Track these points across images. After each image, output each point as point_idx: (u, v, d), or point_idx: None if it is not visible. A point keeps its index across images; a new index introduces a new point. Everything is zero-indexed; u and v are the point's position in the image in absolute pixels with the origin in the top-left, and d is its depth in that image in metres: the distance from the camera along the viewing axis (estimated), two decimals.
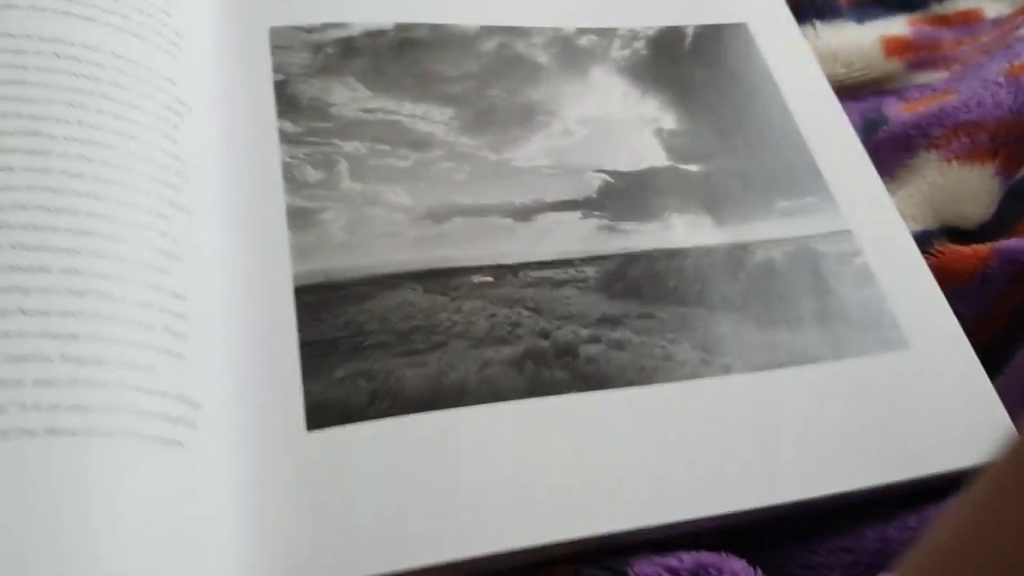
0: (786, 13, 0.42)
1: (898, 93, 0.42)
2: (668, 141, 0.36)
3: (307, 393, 0.26)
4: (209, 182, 0.29)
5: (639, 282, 0.31)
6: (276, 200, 0.31)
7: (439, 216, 0.32)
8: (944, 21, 0.46)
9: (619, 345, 0.29)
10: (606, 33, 0.39)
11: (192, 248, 0.27)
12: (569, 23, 0.40)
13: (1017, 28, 0.44)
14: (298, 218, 0.30)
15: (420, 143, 0.34)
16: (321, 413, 0.25)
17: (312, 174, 0.32)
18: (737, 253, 0.33)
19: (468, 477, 0.25)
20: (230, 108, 0.33)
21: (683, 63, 0.39)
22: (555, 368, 0.28)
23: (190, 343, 0.25)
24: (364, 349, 0.27)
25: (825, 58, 0.42)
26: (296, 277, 0.29)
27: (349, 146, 0.33)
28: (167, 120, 0.29)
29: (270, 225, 0.30)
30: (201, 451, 0.23)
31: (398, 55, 0.36)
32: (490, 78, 0.37)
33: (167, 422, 0.23)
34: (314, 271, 0.29)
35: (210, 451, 0.23)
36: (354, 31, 0.37)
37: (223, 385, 0.25)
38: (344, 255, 0.30)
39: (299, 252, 0.29)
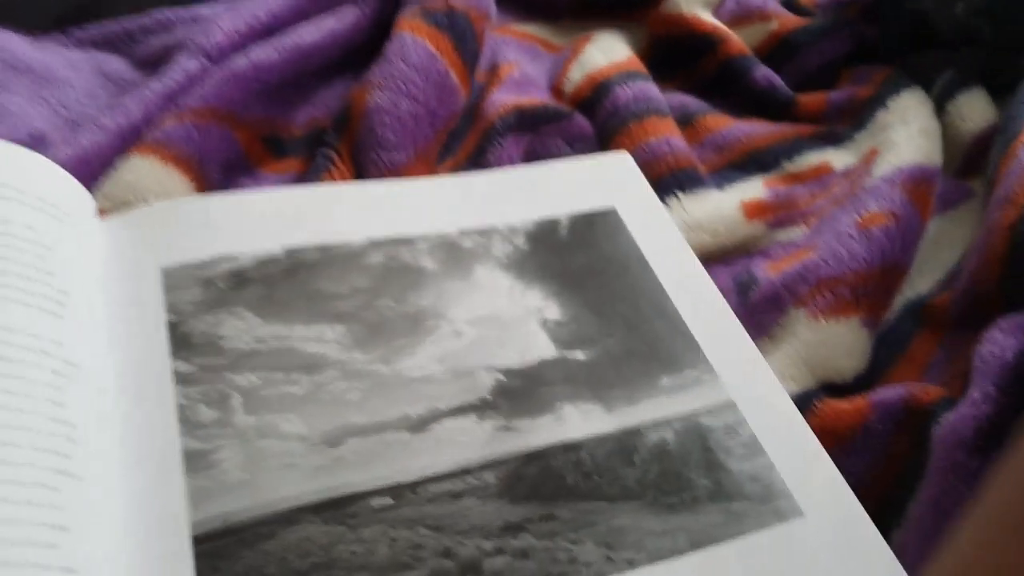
0: (649, 192, 0.45)
1: (763, 253, 0.45)
2: (554, 331, 0.38)
3: None
4: (102, 441, 0.29)
5: (538, 482, 0.32)
6: (172, 445, 0.30)
7: (334, 440, 0.32)
8: (797, 178, 0.50)
9: (523, 554, 0.29)
10: (487, 232, 0.41)
11: (82, 516, 0.26)
12: (451, 226, 0.41)
13: (862, 177, 0.47)
14: (194, 461, 0.30)
15: (313, 366, 0.34)
16: None
17: (206, 413, 0.32)
18: (629, 438, 0.33)
19: None
20: (122, 357, 0.33)
21: (561, 252, 0.41)
22: None
23: None
24: None
25: (691, 228, 0.44)
26: (194, 525, 0.28)
27: (242, 379, 0.33)
28: (53, 385, 0.29)
29: (166, 472, 0.29)
30: None
31: (288, 279, 0.37)
32: (379, 290, 0.38)
33: None
34: (211, 516, 0.29)
35: None
36: (245, 262, 0.37)
37: None
38: (241, 495, 0.29)
39: (196, 497, 0.29)
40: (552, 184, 0.45)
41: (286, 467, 0.31)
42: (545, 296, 0.39)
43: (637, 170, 0.46)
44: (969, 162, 0.48)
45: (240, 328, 0.35)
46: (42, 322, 0.31)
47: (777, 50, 0.59)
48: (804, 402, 0.35)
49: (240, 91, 0.48)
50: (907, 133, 0.48)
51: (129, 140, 0.45)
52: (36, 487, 0.26)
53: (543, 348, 0.37)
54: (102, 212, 0.39)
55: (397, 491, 0.31)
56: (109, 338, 0.33)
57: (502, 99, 0.52)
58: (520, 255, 0.40)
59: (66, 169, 0.38)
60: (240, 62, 0.49)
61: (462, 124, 0.53)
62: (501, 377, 0.35)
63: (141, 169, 0.42)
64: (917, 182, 0.44)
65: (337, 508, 0.30)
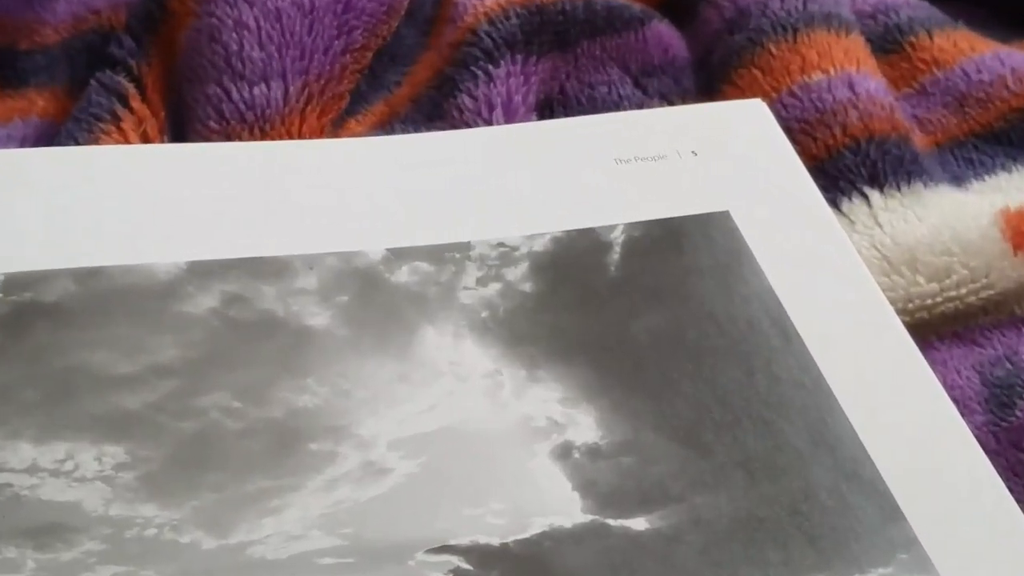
0: (805, 184, 0.45)
1: None
2: (584, 468, 0.37)
3: None
4: None
5: None
6: None
7: None
8: None
9: None
10: (446, 255, 0.41)
11: None
12: (371, 240, 0.41)
13: None
14: None
15: (49, 528, 0.34)
16: None
17: None
18: None
19: None
20: None
21: (605, 305, 0.41)
22: None
23: None
24: None
25: (893, 264, 0.44)
26: None
27: None
28: None
29: None
30: None
31: (9, 341, 0.37)
32: (206, 371, 0.37)
33: None
34: None
35: None
36: None
37: None
38: None
39: None
40: (595, 158, 0.45)
41: None
42: (567, 396, 0.39)
43: (781, 136, 0.46)
44: None
45: None
46: None
47: None
48: None
49: None
50: None
51: None
52: None
53: (560, 505, 0.36)
54: None
55: None
56: None
57: None
58: (516, 307, 0.40)
59: None
60: None
61: (408, 37, 0.53)
62: (462, 566, 0.35)
63: None
64: None
65: None
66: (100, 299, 0.38)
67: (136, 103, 0.45)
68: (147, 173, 0.41)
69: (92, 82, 0.45)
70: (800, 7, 0.49)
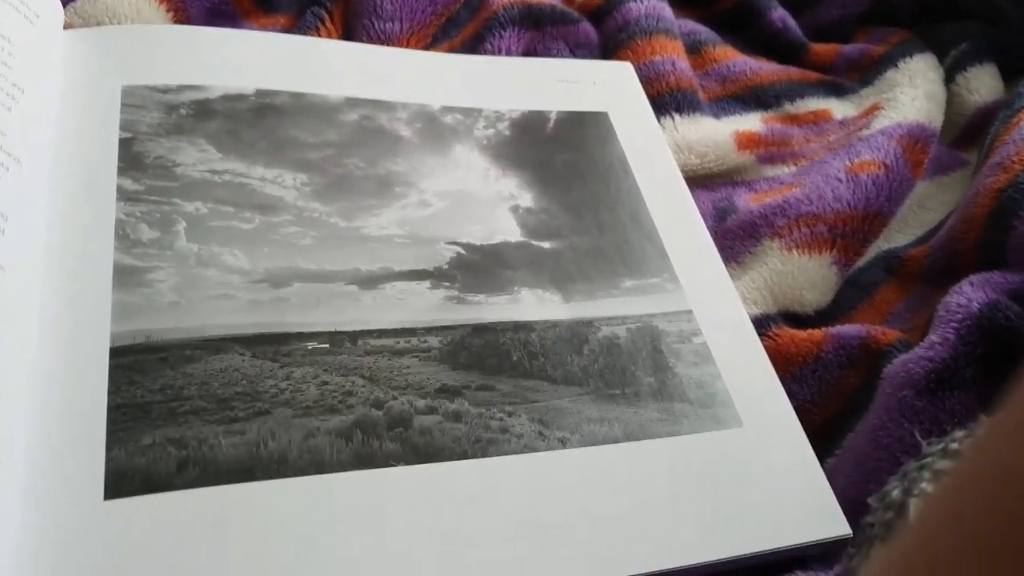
0: (645, 105, 0.44)
1: (748, 184, 0.44)
2: (523, 218, 0.37)
3: (109, 460, 0.24)
4: (31, 236, 0.28)
5: (482, 353, 0.31)
6: (104, 257, 0.29)
7: (278, 280, 0.31)
8: (794, 120, 0.49)
9: (455, 416, 0.28)
10: (471, 112, 0.40)
11: (1, 305, 0.25)
12: (435, 100, 0.40)
13: (860, 129, 0.47)
14: (125, 276, 0.29)
15: (267, 206, 0.33)
16: (122, 481, 0.24)
17: (147, 232, 0.31)
18: (581, 328, 0.33)
19: (281, 554, 0.23)
20: (68, 162, 0.31)
21: (544, 146, 0.40)
22: (386, 439, 0.27)
23: None
24: (178, 415, 0.26)
25: (681, 149, 0.43)
26: (114, 337, 0.27)
27: (190, 206, 0.32)
28: None
29: (93, 282, 0.28)
30: None
31: (256, 120, 0.36)
32: (349, 147, 0.37)
33: None
34: (134, 331, 0.28)
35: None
36: (212, 94, 0.36)
37: (21, 450, 0.23)
38: (170, 317, 0.28)
39: (121, 312, 0.28)
40: (547, 79, 0.44)
41: (222, 297, 0.30)
42: (520, 184, 0.38)
43: (636, 82, 0.45)
44: (968, 133, 0.48)
45: (196, 158, 0.34)
46: None
47: None
48: (762, 325, 0.35)
49: None
50: (912, 94, 0.47)
51: None
52: None
53: (509, 232, 0.36)
54: (69, 26, 0.37)
55: (336, 338, 0.30)
56: (57, 143, 0.31)
57: None
58: (502, 140, 0.39)
59: None
60: None
61: (464, 12, 0.51)
62: (462, 251, 0.35)
63: None
64: (914, 139, 0.44)
65: (269, 344, 0.29)
66: (301, 106, 0.37)
67: (327, 24, 0.43)
68: (326, 52, 0.40)
69: (307, 12, 0.43)
70: (654, 25, 0.47)
